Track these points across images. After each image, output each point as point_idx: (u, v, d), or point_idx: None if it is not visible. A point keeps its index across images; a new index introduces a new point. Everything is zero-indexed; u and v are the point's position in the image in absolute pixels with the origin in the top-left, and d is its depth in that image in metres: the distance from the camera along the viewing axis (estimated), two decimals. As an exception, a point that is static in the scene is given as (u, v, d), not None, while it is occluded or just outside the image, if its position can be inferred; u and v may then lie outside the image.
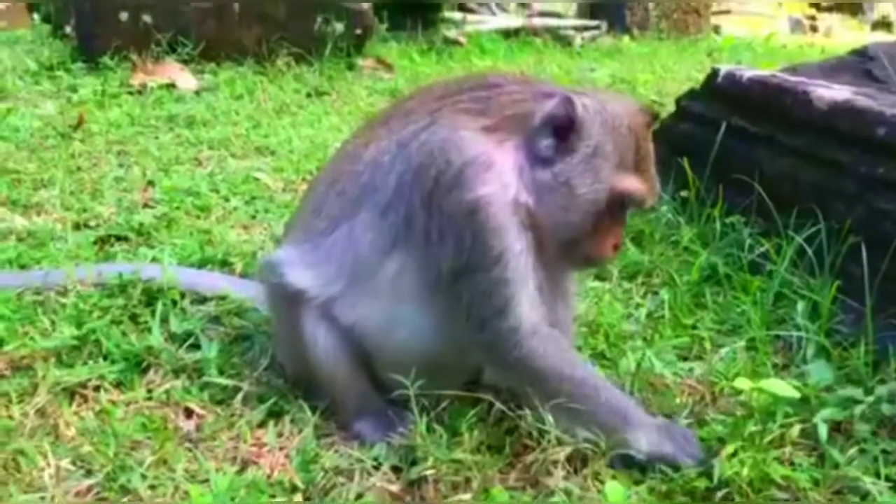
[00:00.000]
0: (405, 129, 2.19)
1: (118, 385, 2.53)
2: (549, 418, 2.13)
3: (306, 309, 2.27)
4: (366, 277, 2.21)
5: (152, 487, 2.06)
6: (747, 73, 3.74)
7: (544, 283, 2.17)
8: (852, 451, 2.24)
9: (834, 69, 4.14)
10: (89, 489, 2.06)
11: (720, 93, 3.84)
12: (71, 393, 2.45)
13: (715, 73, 3.89)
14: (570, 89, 2.18)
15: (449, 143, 2.07)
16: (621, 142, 2.10)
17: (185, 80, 6.42)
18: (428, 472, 2.10)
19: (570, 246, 2.16)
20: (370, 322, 2.25)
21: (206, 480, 2.10)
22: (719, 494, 2.06)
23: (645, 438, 2.15)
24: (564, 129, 2.07)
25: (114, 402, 2.43)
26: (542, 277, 2.15)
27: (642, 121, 2.16)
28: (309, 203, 2.44)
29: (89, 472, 2.11)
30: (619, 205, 2.14)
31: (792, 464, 2.20)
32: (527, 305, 2.08)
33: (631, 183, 2.11)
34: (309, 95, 6.50)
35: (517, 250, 2.05)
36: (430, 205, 2.07)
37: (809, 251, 2.98)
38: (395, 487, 2.12)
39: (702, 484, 2.08)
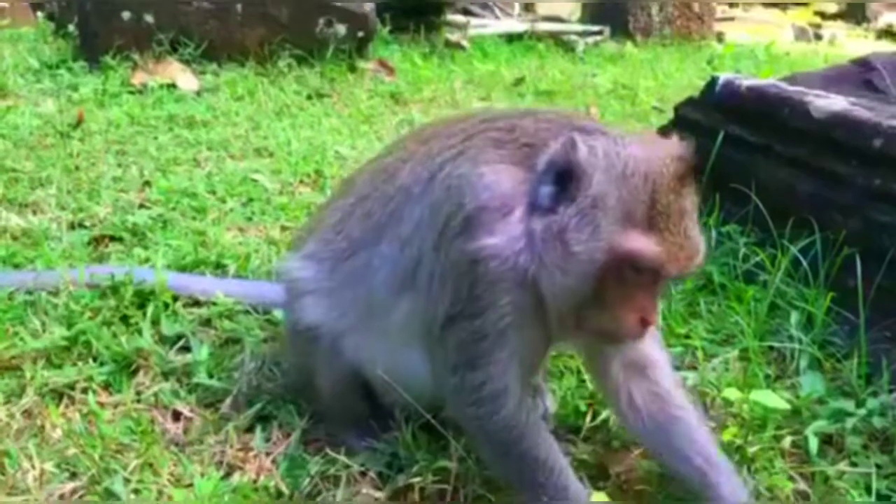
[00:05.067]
0: (440, 155, 2.05)
1: (106, 387, 2.52)
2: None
3: (319, 343, 2.24)
4: (376, 316, 2.15)
5: (136, 491, 2.05)
6: (745, 81, 3.72)
7: (539, 355, 2.07)
8: (843, 464, 2.24)
9: (834, 79, 4.12)
10: (73, 492, 2.06)
11: (718, 101, 3.81)
12: (59, 394, 2.45)
13: (713, 81, 3.87)
14: (592, 128, 1.94)
15: (466, 180, 1.92)
16: (630, 193, 1.77)
17: (186, 80, 6.42)
18: (414, 480, 2.09)
19: (582, 319, 1.88)
20: (376, 363, 2.20)
21: (191, 485, 2.09)
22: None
23: None
24: (566, 176, 1.82)
25: (101, 405, 2.42)
26: (536, 350, 2.02)
27: (671, 170, 1.79)
28: (335, 212, 2.34)
29: (73, 475, 2.11)
30: (627, 268, 1.79)
31: (789, 477, 2.18)
32: (499, 367, 1.93)
33: (637, 242, 1.76)
34: (310, 97, 6.50)
35: (501, 304, 1.88)
36: (439, 247, 1.97)
37: (804, 262, 2.97)
38: (380, 495, 2.11)
39: (687, 497, 2.06)
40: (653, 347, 2.15)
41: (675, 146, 1.87)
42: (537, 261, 1.84)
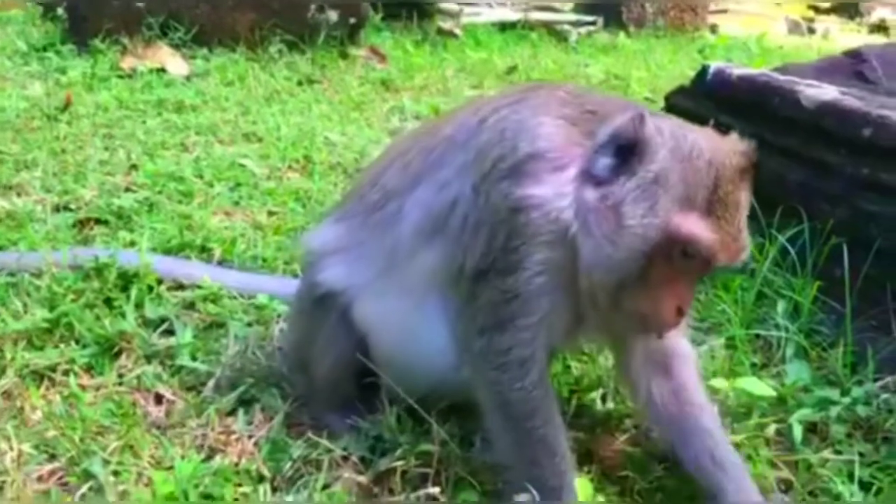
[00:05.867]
0: (492, 103, 1.99)
1: (88, 369, 2.50)
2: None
3: (332, 308, 2.17)
4: (398, 267, 2.05)
5: (115, 473, 2.03)
6: (736, 71, 3.71)
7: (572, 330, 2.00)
8: (827, 452, 2.24)
9: (826, 70, 4.10)
10: (51, 474, 2.04)
11: (709, 90, 3.80)
12: (39, 376, 2.43)
13: (704, 70, 3.86)
14: (660, 114, 1.92)
15: (524, 126, 1.87)
16: (693, 176, 1.75)
17: (176, 64, 6.38)
18: (397, 464, 2.08)
19: (618, 299, 1.82)
20: (387, 324, 2.12)
21: (171, 467, 2.07)
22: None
23: None
24: (628, 150, 1.78)
25: (83, 387, 2.40)
26: (564, 325, 1.95)
27: (734, 163, 1.80)
28: (371, 171, 2.28)
29: (52, 457, 2.09)
30: (677, 251, 1.76)
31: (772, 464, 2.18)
32: (528, 333, 1.89)
33: (694, 225, 1.74)
34: (300, 83, 6.46)
35: (536, 260, 1.83)
36: (479, 190, 1.89)
37: (792, 251, 2.96)
38: (363, 479, 2.09)
39: (671, 483, 2.06)
40: (680, 340, 2.13)
41: (738, 142, 1.87)
42: (583, 228, 1.80)
